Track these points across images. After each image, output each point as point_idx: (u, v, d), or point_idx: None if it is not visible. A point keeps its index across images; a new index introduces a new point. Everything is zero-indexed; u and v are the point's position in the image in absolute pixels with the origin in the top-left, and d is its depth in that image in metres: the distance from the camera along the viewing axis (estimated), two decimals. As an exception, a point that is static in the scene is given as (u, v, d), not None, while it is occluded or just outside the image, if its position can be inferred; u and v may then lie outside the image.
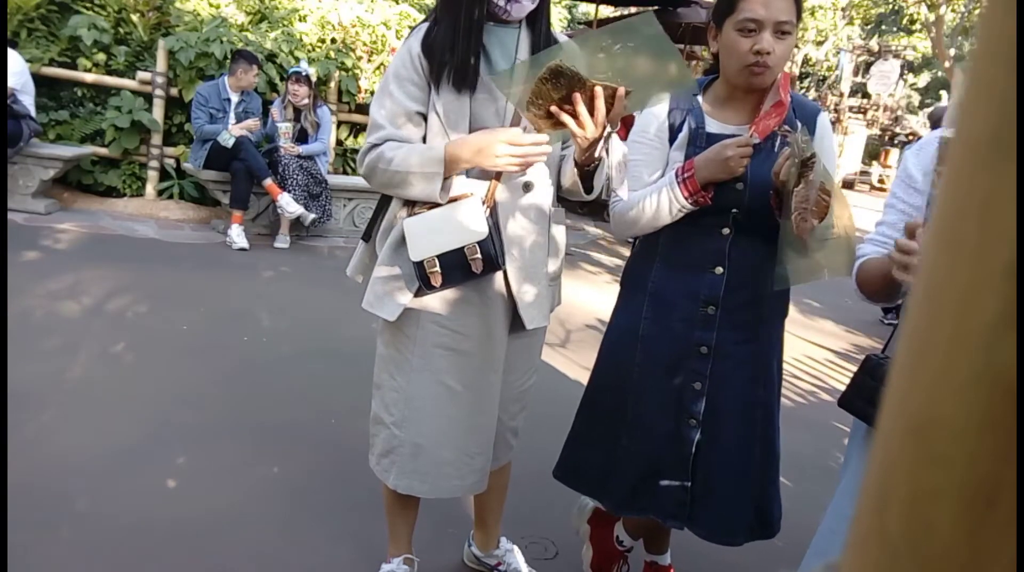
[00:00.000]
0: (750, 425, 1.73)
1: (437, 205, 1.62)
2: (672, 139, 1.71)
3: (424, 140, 1.65)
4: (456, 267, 1.60)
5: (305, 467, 2.54)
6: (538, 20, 1.67)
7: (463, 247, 1.58)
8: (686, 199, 1.62)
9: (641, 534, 2.07)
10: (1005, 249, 0.20)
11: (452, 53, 1.59)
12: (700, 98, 1.71)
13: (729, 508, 1.74)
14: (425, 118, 1.64)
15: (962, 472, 0.21)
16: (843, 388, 1.48)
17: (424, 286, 1.62)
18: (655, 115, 1.75)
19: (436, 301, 1.68)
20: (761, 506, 1.76)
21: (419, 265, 1.60)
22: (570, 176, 1.71)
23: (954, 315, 0.21)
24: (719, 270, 1.67)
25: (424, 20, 1.69)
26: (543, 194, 1.72)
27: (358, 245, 1.83)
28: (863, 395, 1.41)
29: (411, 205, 1.67)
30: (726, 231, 1.66)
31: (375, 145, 1.63)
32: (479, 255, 1.59)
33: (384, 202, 1.75)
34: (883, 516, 0.23)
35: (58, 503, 2.18)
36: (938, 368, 0.22)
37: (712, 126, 1.68)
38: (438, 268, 1.59)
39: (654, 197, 1.66)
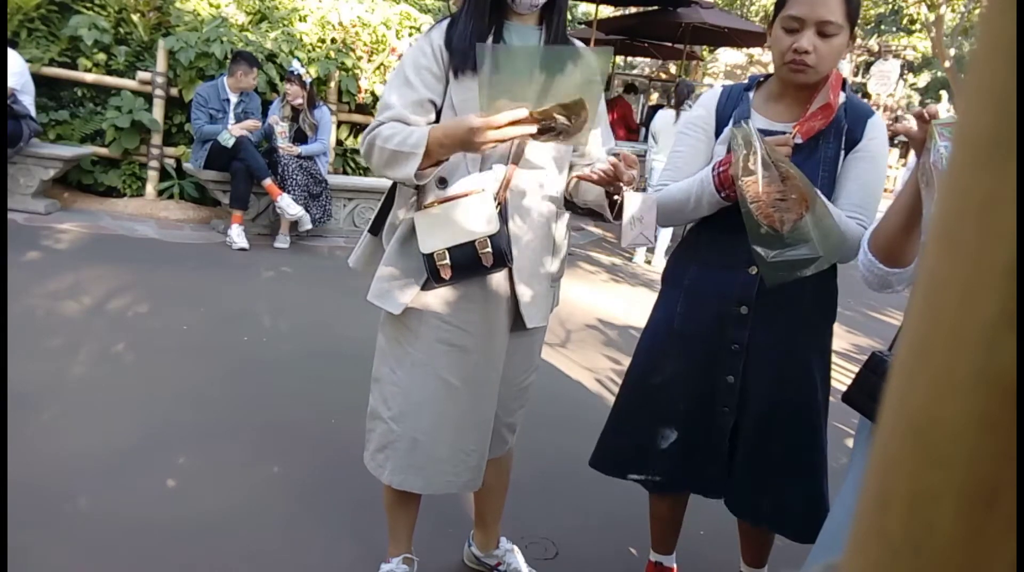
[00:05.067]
0: (775, 426, 1.73)
1: (449, 199, 1.63)
2: (719, 132, 1.73)
3: None
4: (466, 260, 1.61)
5: (305, 467, 2.54)
6: (554, 22, 1.69)
7: (474, 241, 1.60)
8: (719, 192, 1.62)
9: (657, 530, 2.06)
10: (1005, 249, 0.20)
11: (472, 40, 1.61)
12: (752, 94, 1.73)
13: (743, 496, 1.79)
14: (436, 110, 1.66)
15: (962, 472, 0.21)
16: (843, 388, 1.48)
17: (433, 279, 1.64)
18: (705, 107, 1.77)
19: (439, 297, 1.69)
20: (783, 506, 1.77)
21: (429, 257, 1.61)
22: (595, 197, 1.73)
23: (954, 315, 0.21)
24: (753, 270, 1.67)
25: (443, 18, 1.72)
26: (551, 196, 1.74)
27: (363, 237, 1.84)
28: (866, 391, 1.41)
29: (419, 199, 1.68)
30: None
31: (381, 123, 1.64)
32: (490, 249, 1.61)
33: (391, 195, 1.77)
34: (883, 516, 0.23)
35: (58, 503, 2.18)
36: (938, 368, 0.22)
37: (758, 121, 1.67)
38: (448, 261, 1.61)
39: (691, 188, 1.68)
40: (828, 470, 1.79)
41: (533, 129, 1.48)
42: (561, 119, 1.47)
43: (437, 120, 1.66)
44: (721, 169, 1.62)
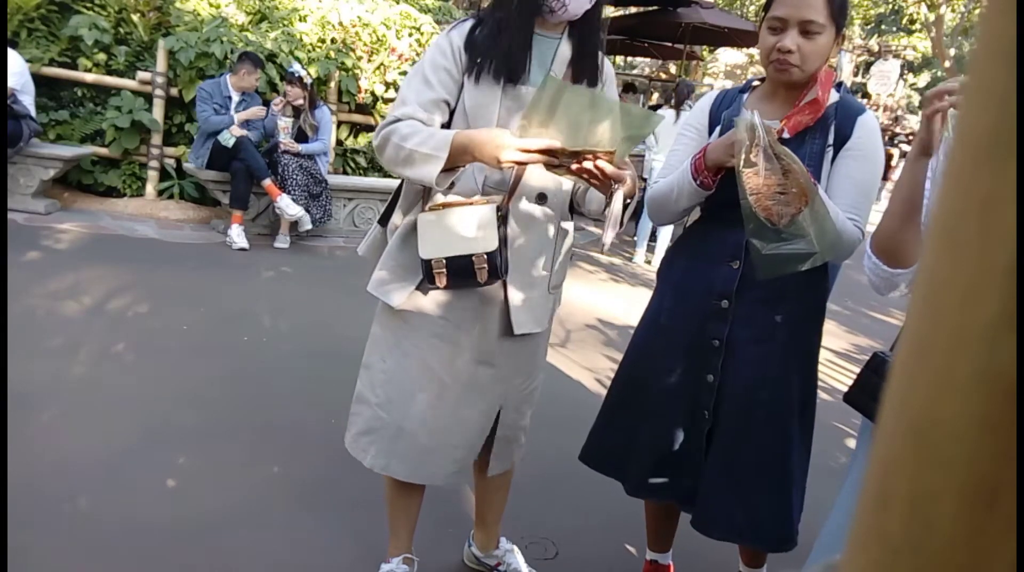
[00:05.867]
0: (746, 427, 1.72)
1: (454, 204, 1.64)
2: (712, 132, 1.75)
3: None
4: (462, 271, 1.62)
5: (305, 467, 2.55)
6: (584, 39, 1.69)
7: (472, 254, 1.60)
8: (694, 179, 1.64)
9: (652, 527, 2.06)
10: (1005, 249, 0.20)
11: (496, 47, 1.61)
12: (746, 95, 1.75)
13: (711, 500, 1.75)
14: (451, 110, 1.66)
15: (962, 472, 0.21)
16: (843, 388, 1.48)
17: (428, 283, 1.65)
18: (701, 108, 1.80)
19: (435, 294, 1.71)
20: (750, 512, 1.74)
21: (427, 263, 1.63)
22: (598, 205, 1.74)
23: (954, 315, 0.21)
24: (735, 264, 1.68)
25: (464, 19, 1.72)
26: (555, 206, 1.74)
27: (373, 227, 1.87)
28: (868, 391, 1.41)
29: (424, 200, 1.69)
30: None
31: (398, 119, 1.63)
32: (486, 265, 1.61)
33: (400, 190, 1.78)
34: (883, 516, 0.23)
35: (58, 503, 2.18)
36: (938, 368, 0.22)
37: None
38: (444, 269, 1.62)
39: (674, 181, 1.70)
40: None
41: (555, 161, 1.49)
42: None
43: (449, 121, 1.67)
44: (697, 156, 1.64)
